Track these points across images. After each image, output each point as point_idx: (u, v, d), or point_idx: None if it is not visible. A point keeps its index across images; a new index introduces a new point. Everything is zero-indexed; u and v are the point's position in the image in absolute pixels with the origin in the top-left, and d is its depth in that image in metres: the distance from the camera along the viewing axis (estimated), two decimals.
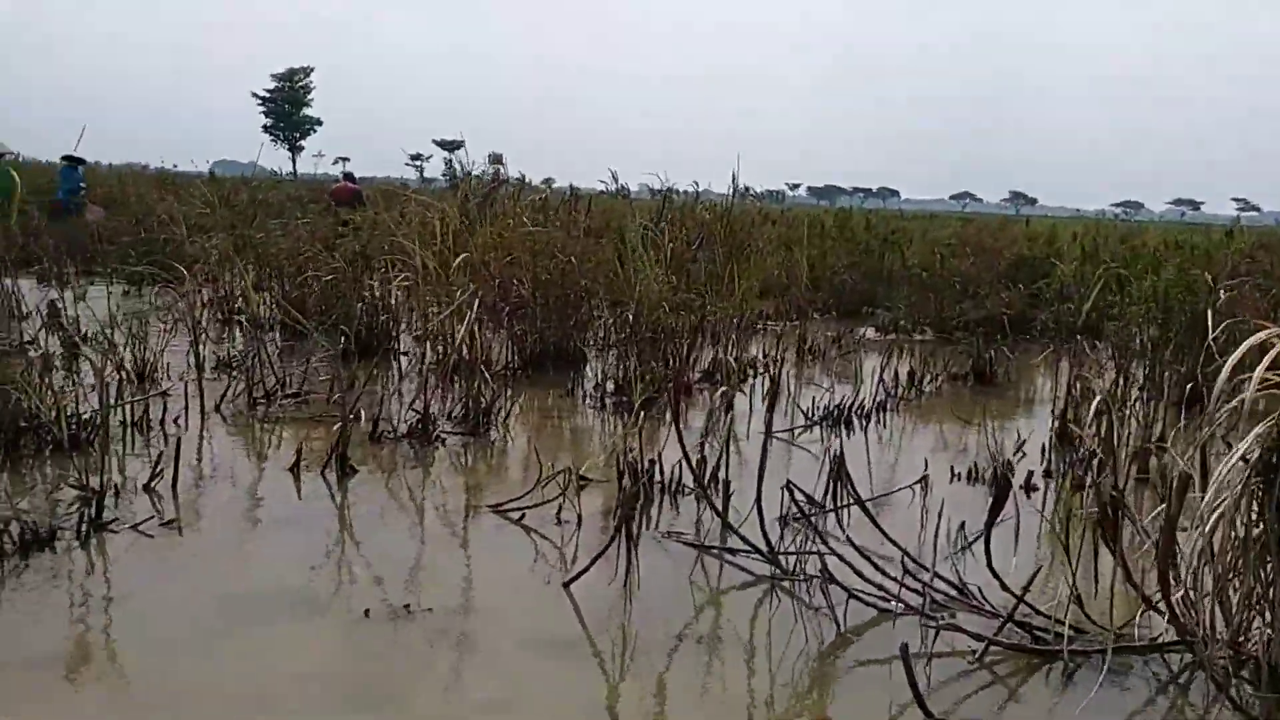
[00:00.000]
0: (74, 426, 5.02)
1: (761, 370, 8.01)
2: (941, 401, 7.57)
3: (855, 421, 6.50)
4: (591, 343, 8.16)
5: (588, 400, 6.91)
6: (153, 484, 4.44)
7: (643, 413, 6.22)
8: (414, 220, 9.71)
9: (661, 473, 4.72)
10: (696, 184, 18.38)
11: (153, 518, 4.00)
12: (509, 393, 7.05)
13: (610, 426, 6.35)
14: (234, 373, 6.72)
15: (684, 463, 4.40)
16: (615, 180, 28.44)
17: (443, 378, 6.67)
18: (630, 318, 7.41)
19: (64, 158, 16.73)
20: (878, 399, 6.97)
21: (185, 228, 10.37)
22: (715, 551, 4.01)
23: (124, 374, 6.48)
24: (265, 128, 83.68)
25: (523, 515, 4.31)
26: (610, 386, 7.01)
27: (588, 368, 7.80)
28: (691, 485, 4.66)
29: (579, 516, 4.30)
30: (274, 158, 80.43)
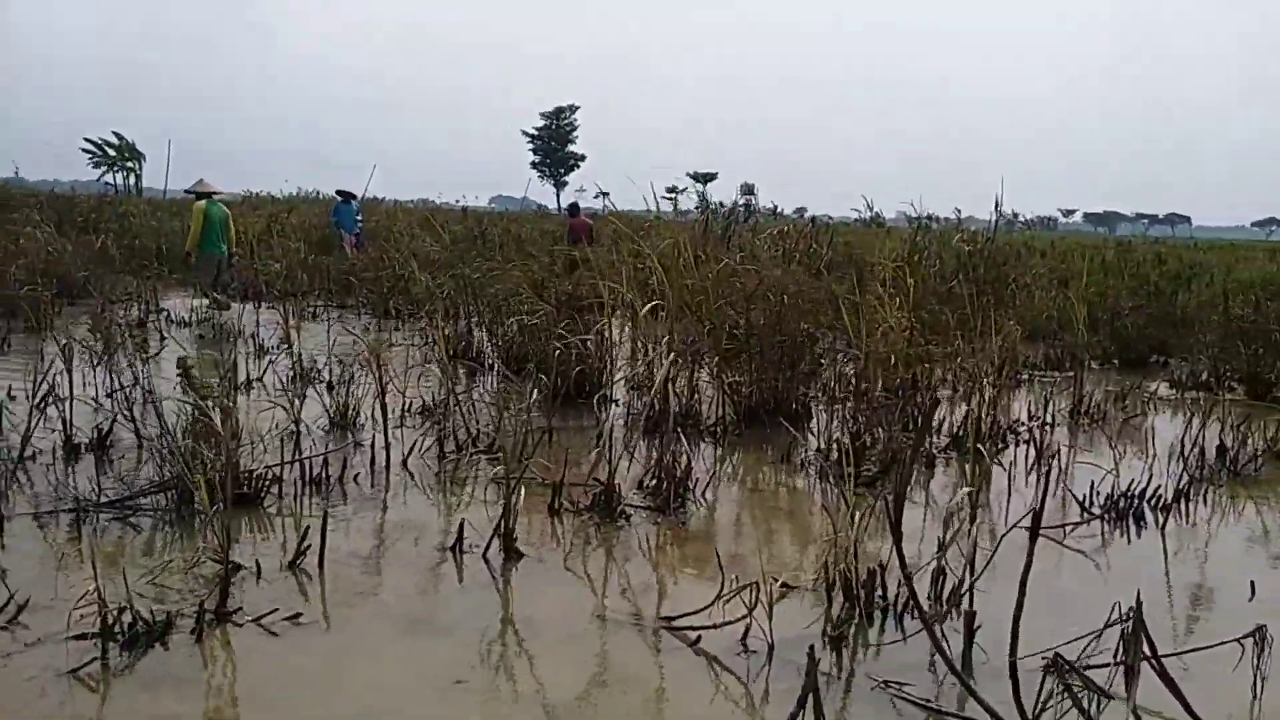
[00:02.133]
0: (245, 483, 4.76)
1: (1025, 435, 6.68)
2: (1267, 488, 5.94)
3: (1147, 513, 5.12)
4: (819, 396, 7.17)
5: (807, 468, 5.94)
6: (298, 561, 4.00)
7: (870, 492, 5.23)
8: (629, 256, 9.20)
9: (885, 585, 3.73)
10: (958, 211, 16.80)
11: (276, 610, 3.50)
12: (717, 454, 6.27)
13: (832, 504, 5.35)
14: (434, 421, 6.35)
15: (906, 586, 3.37)
16: (869, 208, 26.32)
17: (646, 435, 5.99)
18: (858, 370, 6.39)
19: (338, 192, 17.85)
20: (1179, 481, 5.53)
21: (416, 264, 10.44)
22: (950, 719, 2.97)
23: (330, 416, 6.32)
24: (533, 164, 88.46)
25: (699, 638, 3.46)
26: (835, 453, 6.01)
27: (811, 426, 6.83)
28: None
29: (770, 645, 3.38)
30: (541, 193, 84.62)
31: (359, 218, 17.20)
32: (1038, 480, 5.71)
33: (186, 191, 14.12)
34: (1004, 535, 3.50)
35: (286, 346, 8.98)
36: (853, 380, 6.75)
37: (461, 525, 4.28)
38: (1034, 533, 2.99)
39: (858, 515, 3.77)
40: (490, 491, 5.11)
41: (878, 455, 5.77)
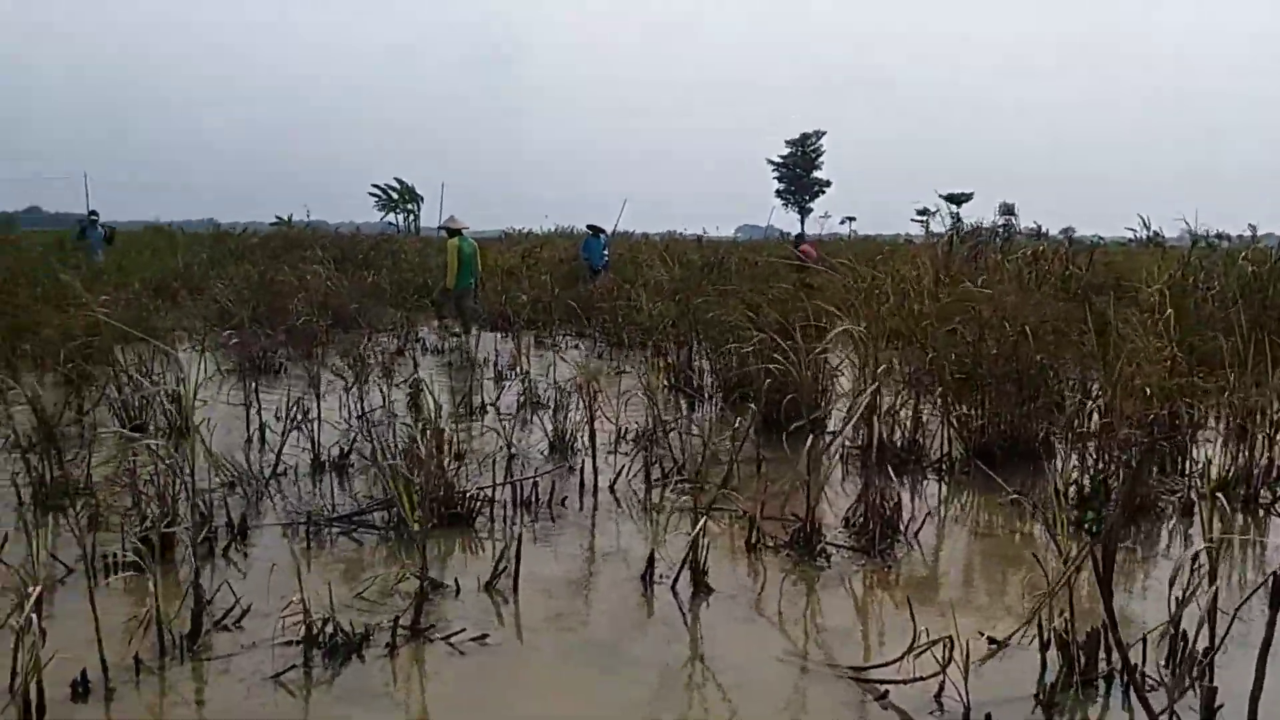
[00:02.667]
0: (459, 504, 4.98)
1: None
2: None
3: None
4: (1062, 433, 6.54)
5: (1043, 512, 5.40)
6: (494, 583, 4.11)
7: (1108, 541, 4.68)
8: (864, 282, 8.88)
9: (1108, 645, 3.29)
10: (1253, 228, 14.97)
11: (464, 630, 3.60)
12: (940, 493, 5.86)
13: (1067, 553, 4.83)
14: (641, 447, 6.39)
15: (1116, 649, 2.94)
16: (1146, 226, 23.94)
17: (872, 469, 5.69)
18: (1104, 404, 5.76)
19: (588, 226, 18.66)
20: None
21: (645, 293, 10.64)
22: None
23: (550, 440, 6.53)
24: (778, 192, 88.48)
25: (886, 692, 3.20)
26: (1074, 494, 5.44)
27: (1055, 464, 6.24)
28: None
29: (966, 706, 3.07)
30: (785, 220, 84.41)
31: (605, 251, 17.80)
32: None
33: (439, 229, 15.25)
34: (1245, 599, 2.98)
35: (523, 373, 9.42)
36: (1100, 415, 6.10)
37: (651, 556, 4.24)
38: (1274, 600, 2.52)
39: (1073, 565, 3.34)
40: (688, 523, 5.05)
41: (1121, 499, 5.16)
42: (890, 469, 5.14)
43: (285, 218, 46.88)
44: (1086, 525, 4.90)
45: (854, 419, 5.55)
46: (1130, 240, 27.86)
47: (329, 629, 3.47)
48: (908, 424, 6.56)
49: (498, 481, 5.24)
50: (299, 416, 6.34)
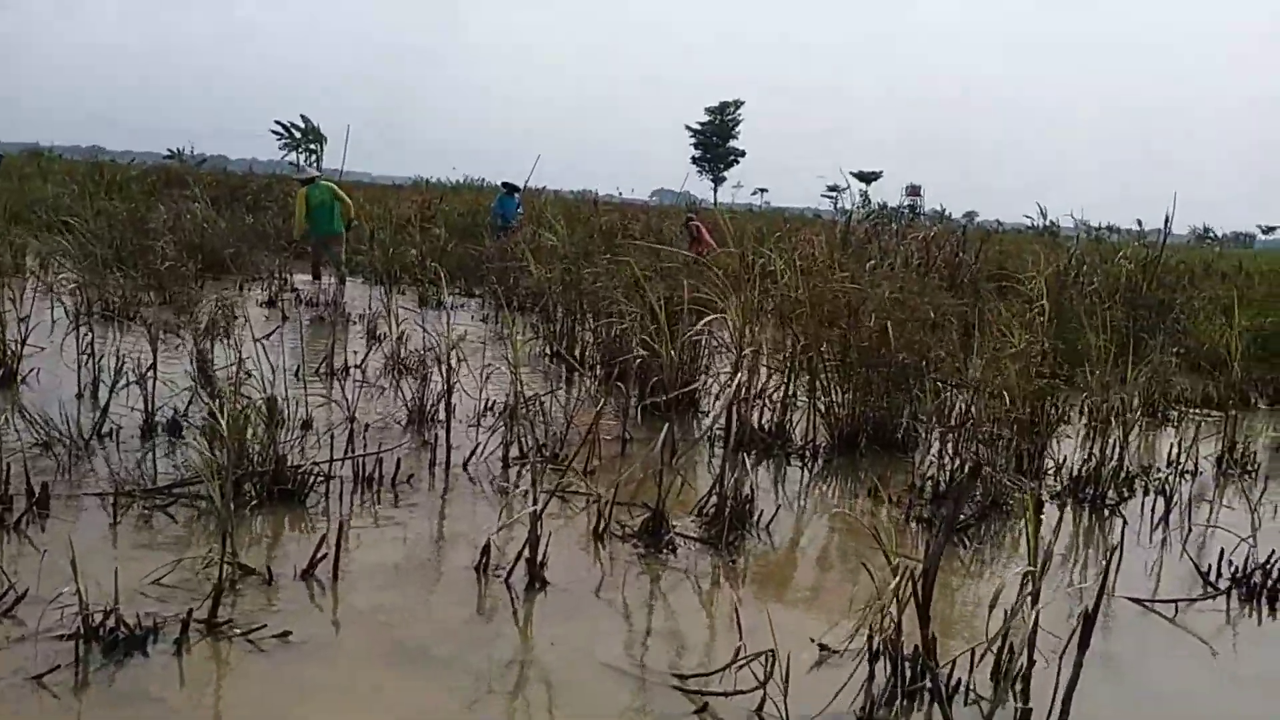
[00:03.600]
0: (294, 479, 4.67)
1: (1156, 485, 5.87)
2: None
3: None
4: (929, 422, 6.54)
5: (898, 505, 5.37)
6: (312, 570, 3.83)
7: (963, 540, 4.67)
8: (752, 262, 8.77)
9: (934, 658, 3.22)
10: (1140, 223, 15.45)
11: (264, 626, 3.33)
12: (804, 481, 5.80)
13: (916, 551, 4.80)
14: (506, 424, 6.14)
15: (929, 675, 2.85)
16: (1043, 215, 24.73)
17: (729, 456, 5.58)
18: (967, 401, 5.77)
19: (503, 184, 18.13)
20: None
21: (533, 258, 10.32)
22: None
23: (409, 410, 6.21)
24: (694, 159, 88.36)
25: (705, 705, 3.06)
26: (931, 489, 5.43)
27: (916, 456, 6.24)
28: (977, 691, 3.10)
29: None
30: (699, 188, 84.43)
31: (519, 209, 17.33)
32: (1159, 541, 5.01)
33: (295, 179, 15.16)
34: (1088, 609, 2.92)
35: (396, 335, 9.03)
36: (963, 411, 6.12)
37: (487, 545, 4.02)
38: (1095, 607, 2.46)
39: (902, 574, 3.24)
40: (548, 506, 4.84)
41: (976, 499, 5.17)
42: (748, 456, 5.02)
43: (177, 150, 44.70)
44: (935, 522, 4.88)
45: (723, 403, 5.41)
46: (1028, 228, 28.68)
47: (110, 621, 3.15)
48: (777, 408, 6.47)
49: (335, 457, 4.93)
50: (135, 372, 5.88)
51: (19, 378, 6.55)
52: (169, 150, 45.60)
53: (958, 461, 5.49)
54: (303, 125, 61.36)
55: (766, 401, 6.52)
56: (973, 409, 5.85)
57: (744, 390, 5.54)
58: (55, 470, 4.80)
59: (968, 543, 4.84)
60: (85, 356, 6.42)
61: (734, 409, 5.10)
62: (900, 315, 6.41)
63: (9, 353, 6.56)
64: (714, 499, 4.69)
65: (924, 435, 6.38)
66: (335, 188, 13.56)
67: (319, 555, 3.83)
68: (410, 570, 4.07)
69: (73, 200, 16.48)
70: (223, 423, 3.93)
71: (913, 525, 5.06)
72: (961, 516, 4.95)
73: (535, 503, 3.97)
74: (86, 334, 6.57)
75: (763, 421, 6.33)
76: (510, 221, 16.81)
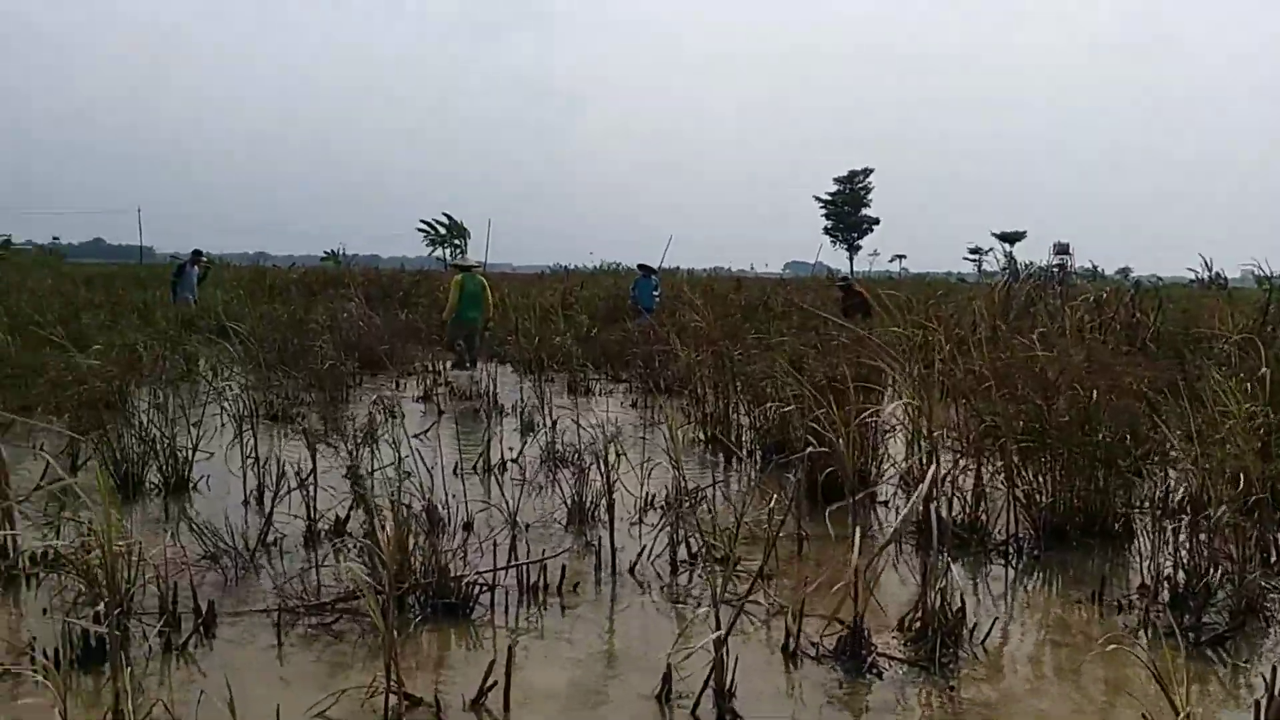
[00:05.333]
0: (457, 591, 4.39)
1: None
2: None
3: None
4: (1145, 509, 5.77)
5: (1129, 612, 4.65)
6: (482, 700, 3.50)
7: (1216, 654, 3.95)
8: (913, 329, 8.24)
9: None
10: None
11: None
12: (1008, 583, 5.15)
13: (1165, 670, 4.08)
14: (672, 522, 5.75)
15: None
16: (1207, 267, 22.86)
17: (930, 559, 5.01)
18: (1193, 483, 5.03)
19: (639, 266, 18.20)
20: None
21: (679, 339, 10.05)
22: None
23: (569, 508, 5.91)
24: (826, 229, 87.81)
25: None
26: (1168, 594, 4.68)
27: (1133, 548, 5.49)
28: None
29: None
30: (834, 258, 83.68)
31: (657, 292, 17.27)
32: None
33: (450, 266, 15.84)
34: None
35: (549, 425, 8.85)
36: (1187, 494, 5.36)
37: (668, 672, 3.59)
38: None
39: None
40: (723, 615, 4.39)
41: (1226, 601, 4.43)
42: (950, 558, 4.45)
43: (332, 252, 47.27)
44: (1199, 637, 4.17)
45: (916, 498, 4.87)
46: (1192, 282, 26.69)
47: None
48: (968, 497, 5.86)
49: (499, 565, 4.64)
50: (296, 478, 5.82)
51: (191, 484, 6.62)
52: (325, 252, 48.24)
53: (1192, 556, 4.75)
54: (446, 221, 64.15)
55: (955, 490, 5.91)
56: (1202, 491, 5.11)
57: (936, 476, 4.99)
58: (222, 584, 4.69)
59: (1225, 658, 4.10)
60: (250, 461, 6.43)
61: (930, 502, 4.56)
62: (1101, 384, 5.73)
63: (180, 460, 6.65)
64: (919, 612, 4.13)
65: (1144, 524, 5.62)
66: (485, 282, 14.08)
67: (488, 684, 3.49)
68: (586, 698, 3.68)
69: (239, 304, 17.40)
70: (382, 540, 3.67)
71: (1144, 633, 4.35)
72: (1213, 626, 4.24)
73: (718, 624, 3.54)
74: (250, 438, 6.60)
75: (953, 513, 5.72)
76: (650, 303, 16.73)
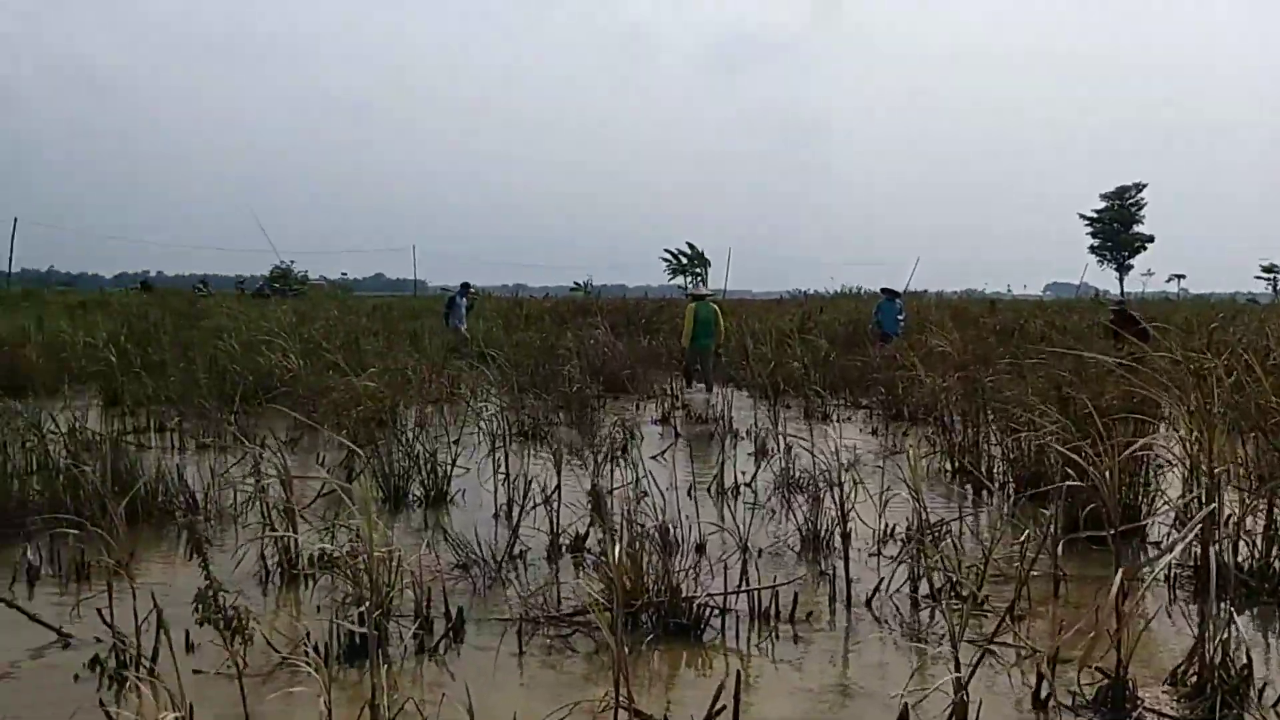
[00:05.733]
0: (689, 612, 4.41)
1: None
2: None
3: None
4: None
5: None
6: None
7: None
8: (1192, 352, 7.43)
9: None
10: None
11: None
12: None
13: None
14: (907, 554, 5.50)
15: None
16: None
17: (1209, 606, 4.50)
18: None
19: (882, 289, 17.74)
20: None
21: (923, 364, 9.63)
22: None
23: (803, 534, 5.81)
24: (1091, 248, 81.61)
25: None
26: None
27: None
28: None
29: None
30: (1101, 278, 77.68)
31: (901, 316, 16.75)
32: None
33: (686, 295, 16.52)
34: None
35: (784, 449, 8.75)
36: None
37: (904, 712, 3.41)
38: None
39: None
40: (966, 655, 4.13)
41: None
42: (1234, 607, 3.96)
43: (581, 283, 49.48)
44: None
45: (1188, 535, 4.38)
46: None
47: None
48: (1257, 541, 5.19)
49: (730, 589, 4.61)
50: (541, 494, 6.10)
51: (448, 498, 7.10)
52: (574, 283, 50.54)
53: None
54: (689, 250, 65.46)
55: (1241, 532, 5.25)
56: None
57: (1215, 519, 4.45)
58: (471, 592, 4.97)
59: None
60: (501, 477, 6.80)
61: (1210, 544, 4.07)
62: None
63: (440, 474, 7.14)
64: (1195, 664, 3.69)
65: None
66: (718, 310, 14.46)
67: (717, 708, 3.47)
68: None
69: (497, 332, 18.56)
70: (615, 563, 3.73)
71: None
72: None
73: (958, 665, 3.32)
74: (502, 456, 6.98)
75: (1239, 558, 5.09)
76: (894, 327, 16.20)
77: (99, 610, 4.18)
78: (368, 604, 3.97)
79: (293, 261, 46.33)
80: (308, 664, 3.17)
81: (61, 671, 3.97)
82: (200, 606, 2.91)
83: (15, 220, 60.96)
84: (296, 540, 5.23)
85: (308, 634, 4.15)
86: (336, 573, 5.01)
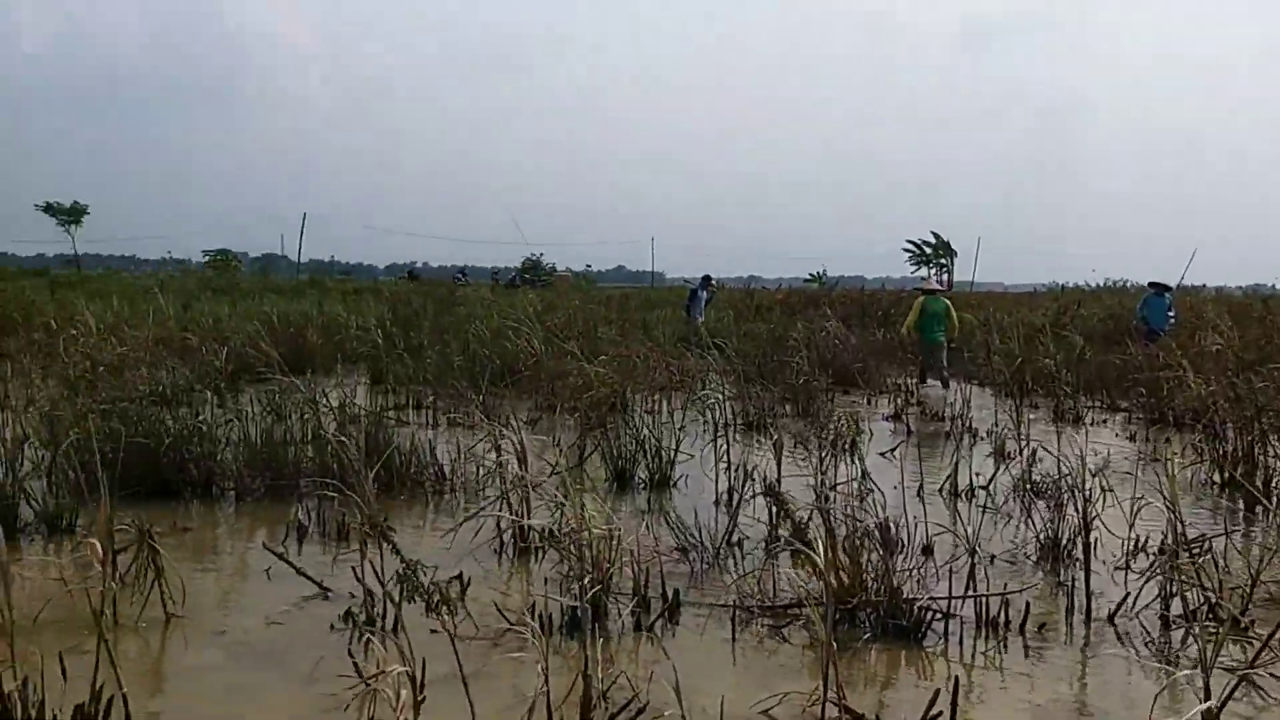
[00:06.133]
0: (909, 614, 4.26)
1: None
2: None
3: None
4: None
5: None
6: None
7: None
8: None
9: None
10: None
11: None
12: None
13: None
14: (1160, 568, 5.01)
15: None
16: None
17: None
18: None
19: (1150, 284, 16.35)
20: None
21: (1190, 364, 8.74)
22: None
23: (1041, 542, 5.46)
24: None
25: None
26: None
27: None
28: None
29: None
30: None
31: (1171, 313, 15.33)
32: None
33: (915, 289, 16.51)
34: None
35: (1027, 451, 8.23)
36: None
37: None
38: None
39: None
40: (1219, 683, 3.72)
41: None
42: None
43: (815, 274, 48.81)
44: None
45: None
46: None
47: None
48: None
49: (956, 594, 4.40)
50: (761, 483, 6.09)
51: (671, 482, 7.23)
52: (809, 274, 49.92)
53: None
54: (933, 240, 62.86)
55: None
56: None
57: None
58: (688, 576, 5.05)
59: None
60: (723, 465, 6.85)
61: None
62: None
63: (664, 459, 7.29)
64: None
65: None
66: (950, 305, 14.18)
67: (933, 714, 3.33)
68: None
69: (727, 323, 18.66)
70: (829, 557, 3.66)
71: None
72: None
73: (1207, 693, 3.00)
74: (724, 445, 7.02)
75: None
76: (1162, 324, 14.80)
77: (353, 568, 4.61)
78: (587, 579, 4.16)
79: (542, 254, 48.83)
80: (529, 633, 3.34)
81: (320, 621, 4.42)
82: (403, 586, 3.13)
83: (305, 215, 68.00)
84: (528, 514, 5.51)
85: (533, 604, 4.37)
86: (562, 548, 5.26)
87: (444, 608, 3.10)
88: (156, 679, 3.92)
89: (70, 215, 70.29)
